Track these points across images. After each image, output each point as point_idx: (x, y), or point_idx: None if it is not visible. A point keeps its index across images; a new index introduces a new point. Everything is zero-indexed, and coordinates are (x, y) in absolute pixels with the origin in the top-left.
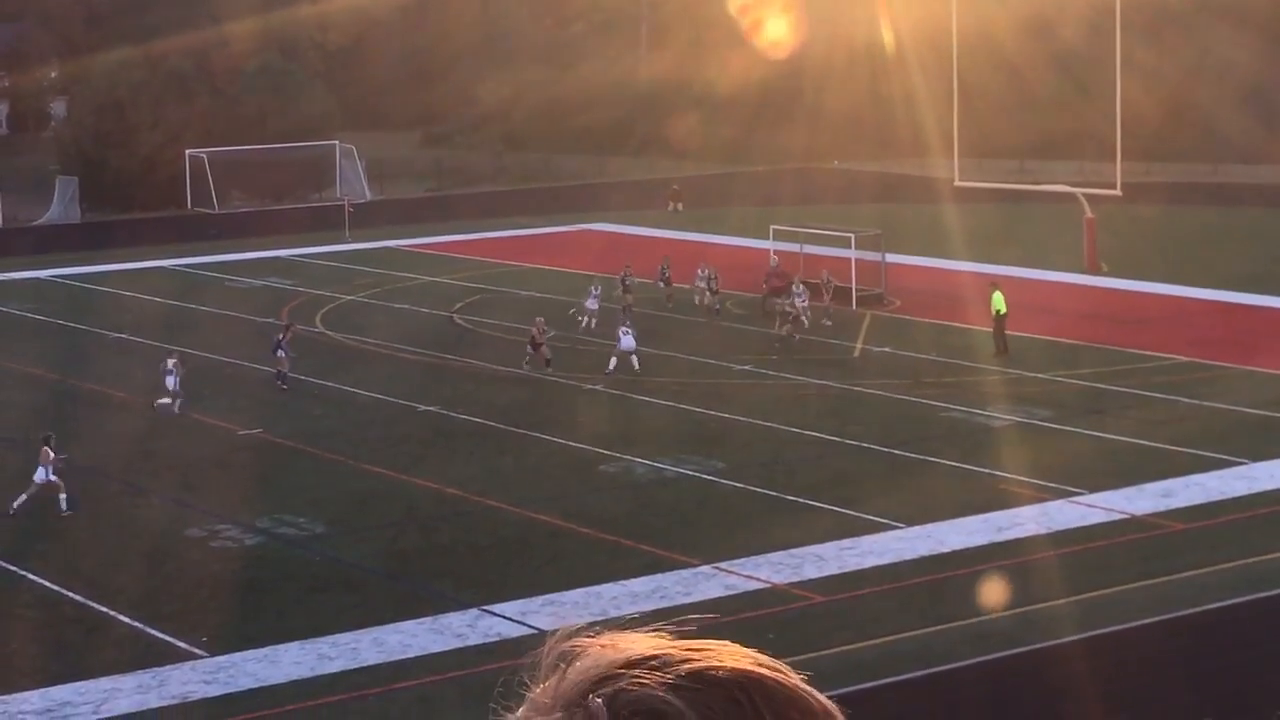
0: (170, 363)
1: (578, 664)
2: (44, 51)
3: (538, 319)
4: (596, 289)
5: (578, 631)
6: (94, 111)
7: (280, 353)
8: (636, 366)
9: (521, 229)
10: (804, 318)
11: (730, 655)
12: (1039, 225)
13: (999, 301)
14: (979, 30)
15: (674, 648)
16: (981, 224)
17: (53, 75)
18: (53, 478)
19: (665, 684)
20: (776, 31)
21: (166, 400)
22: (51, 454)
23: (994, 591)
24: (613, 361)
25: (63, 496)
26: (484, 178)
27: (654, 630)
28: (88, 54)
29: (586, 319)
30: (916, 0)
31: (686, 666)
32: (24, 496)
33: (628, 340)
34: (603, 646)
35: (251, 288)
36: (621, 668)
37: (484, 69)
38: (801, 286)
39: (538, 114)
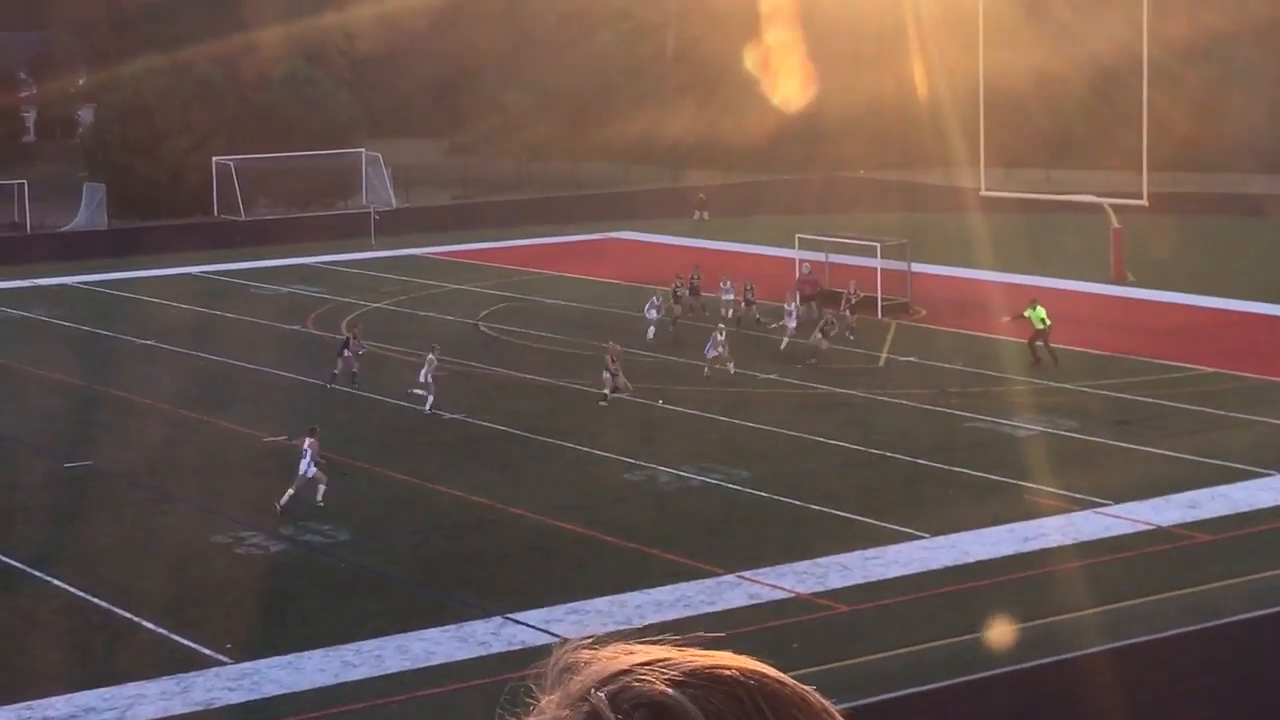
0: (430, 358)
1: (584, 669)
2: (71, 58)
3: (611, 343)
4: (657, 299)
5: (583, 644)
6: (121, 118)
7: (346, 353)
8: (731, 371)
9: (547, 237)
10: (787, 335)
11: (733, 658)
12: (1065, 235)
13: (1041, 314)
14: (1006, 41)
15: (678, 652)
16: (1008, 234)
17: (80, 82)
18: (314, 470)
19: (669, 680)
20: (789, 89)
21: (421, 391)
22: (317, 446)
23: (1019, 603)
24: (707, 369)
25: (322, 488)
26: (510, 186)
27: (659, 640)
28: (115, 61)
29: (651, 329)
30: (941, 4)
31: (690, 666)
32: (290, 491)
33: (711, 348)
34: (609, 657)
35: (277, 295)
36: (626, 669)
37: (510, 78)
38: (791, 306)
39: (564, 122)
